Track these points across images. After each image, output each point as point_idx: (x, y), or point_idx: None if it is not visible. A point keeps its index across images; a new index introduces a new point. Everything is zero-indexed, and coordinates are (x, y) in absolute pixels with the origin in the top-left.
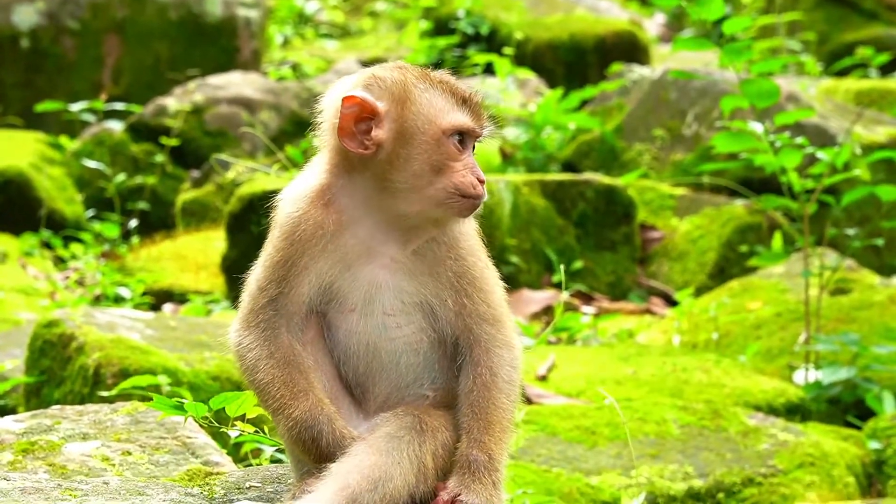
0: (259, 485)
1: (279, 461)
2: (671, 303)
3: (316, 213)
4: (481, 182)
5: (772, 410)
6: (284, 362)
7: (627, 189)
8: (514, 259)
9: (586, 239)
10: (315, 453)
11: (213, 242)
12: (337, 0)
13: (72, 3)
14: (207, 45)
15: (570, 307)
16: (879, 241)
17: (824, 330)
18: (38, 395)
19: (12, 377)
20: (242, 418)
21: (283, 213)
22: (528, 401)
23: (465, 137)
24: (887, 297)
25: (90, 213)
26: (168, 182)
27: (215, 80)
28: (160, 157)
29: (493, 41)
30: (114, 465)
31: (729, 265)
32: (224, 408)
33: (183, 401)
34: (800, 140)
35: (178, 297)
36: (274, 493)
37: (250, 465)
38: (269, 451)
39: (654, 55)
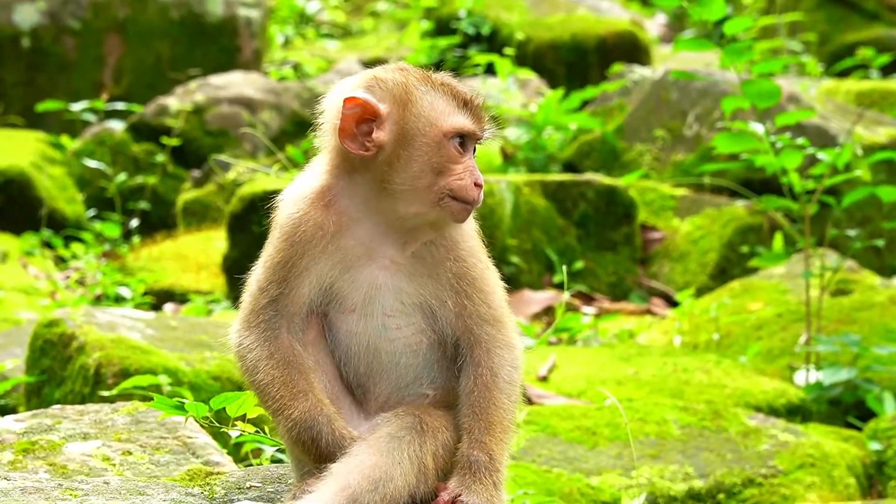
0: (259, 485)
1: (280, 461)
2: (672, 303)
3: (316, 214)
4: (479, 186)
5: (772, 411)
6: (284, 363)
7: (628, 189)
8: (515, 259)
9: (587, 239)
10: (315, 454)
11: (213, 242)
12: (338, 0)
13: (73, 3)
14: (208, 45)
15: (570, 307)
16: (880, 242)
17: (825, 331)
18: (38, 394)
19: (13, 377)
20: (243, 418)
21: (284, 214)
22: (529, 401)
23: (465, 140)
24: (888, 297)
25: (91, 212)
26: (169, 182)
27: (216, 79)
28: (161, 157)
29: (494, 41)
30: (114, 464)
31: (730, 266)
32: (225, 408)
33: (183, 401)
34: (801, 141)
35: (179, 297)
36: (274, 493)
37: (251, 465)
38: (269, 451)
39: (656, 56)
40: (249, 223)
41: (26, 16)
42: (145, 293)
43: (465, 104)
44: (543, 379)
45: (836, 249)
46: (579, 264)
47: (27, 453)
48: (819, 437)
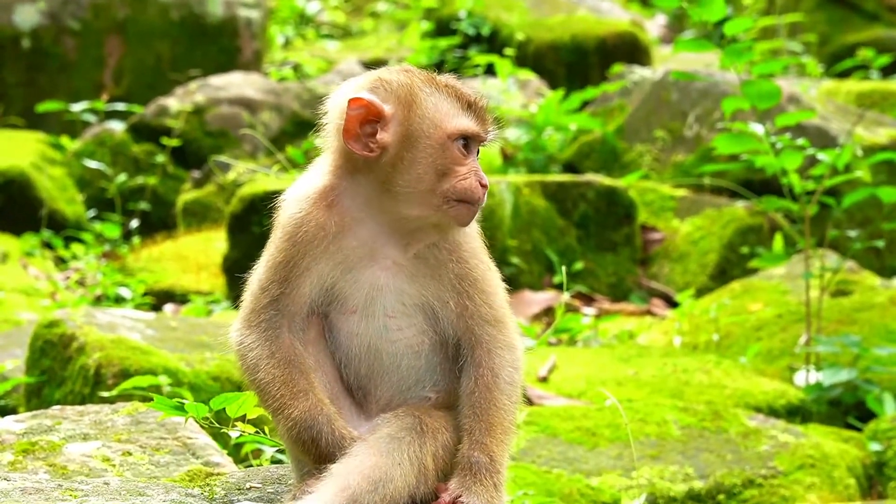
0: (260, 485)
1: (280, 462)
2: (672, 304)
3: (318, 215)
4: (483, 187)
5: (772, 412)
6: (285, 362)
7: (628, 190)
8: (515, 260)
9: (587, 240)
10: (314, 454)
11: (213, 243)
12: (338, 1)
13: (73, 3)
14: (208, 46)
15: (570, 308)
16: (880, 243)
17: (825, 331)
18: (38, 395)
19: (13, 377)
20: (243, 419)
21: (286, 214)
22: (529, 402)
23: (469, 142)
24: (888, 298)
25: (91, 213)
26: (169, 182)
27: (216, 80)
28: (161, 158)
29: (494, 42)
30: (114, 465)
31: (730, 266)
32: (225, 408)
33: (183, 401)
34: (801, 141)
35: (179, 298)
36: (274, 494)
37: (251, 465)
38: (269, 451)
39: (656, 56)
40: (249, 224)
41: (26, 16)
42: (145, 294)
43: (470, 106)
44: (544, 380)
45: (836, 250)
46: (579, 265)
47: (27, 454)
48: (819, 437)
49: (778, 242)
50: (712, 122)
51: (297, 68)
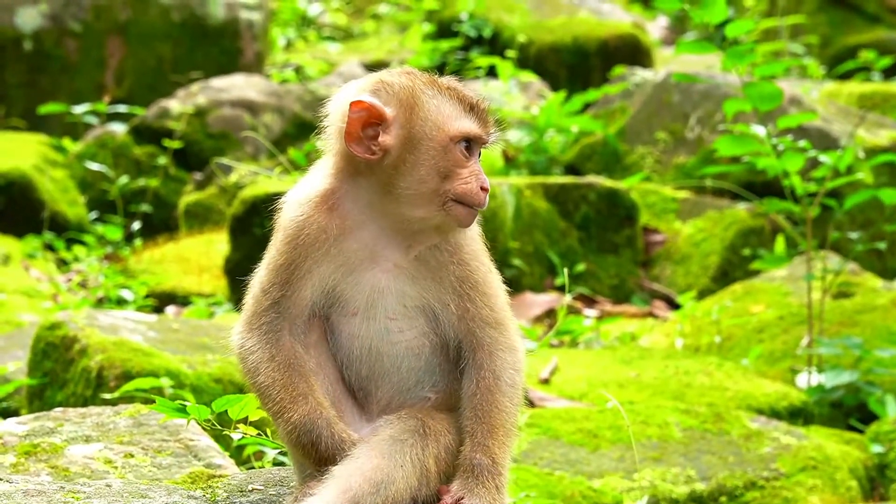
0: (262, 487)
1: (282, 464)
2: (674, 306)
3: (320, 218)
4: (484, 190)
5: (774, 414)
6: (285, 365)
7: (630, 192)
8: (517, 262)
9: (589, 242)
10: (315, 457)
11: (215, 245)
12: (339, 2)
13: (74, 5)
14: (210, 48)
15: (572, 310)
16: (882, 245)
17: (827, 333)
18: (40, 397)
19: (15, 379)
20: (245, 421)
21: (287, 217)
22: (531, 404)
23: (471, 144)
24: (890, 300)
25: (93, 215)
26: (171, 184)
27: (218, 82)
28: (163, 160)
29: (495, 44)
30: (116, 467)
31: (732, 268)
32: (226, 410)
33: (185, 403)
34: (802, 143)
35: (181, 300)
36: (276, 496)
37: (253, 467)
38: (271, 453)
39: (657, 58)
40: (251, 226)
41: (28, 18)
42: (147, 296)
43: (472, 108)
44: (545, 381)
45: (837, 252)
46: (581, 267)
47: (29, 456)
48: (821, 439)
49: (780, 244)
50: (714, 124)
51: (298, 70)
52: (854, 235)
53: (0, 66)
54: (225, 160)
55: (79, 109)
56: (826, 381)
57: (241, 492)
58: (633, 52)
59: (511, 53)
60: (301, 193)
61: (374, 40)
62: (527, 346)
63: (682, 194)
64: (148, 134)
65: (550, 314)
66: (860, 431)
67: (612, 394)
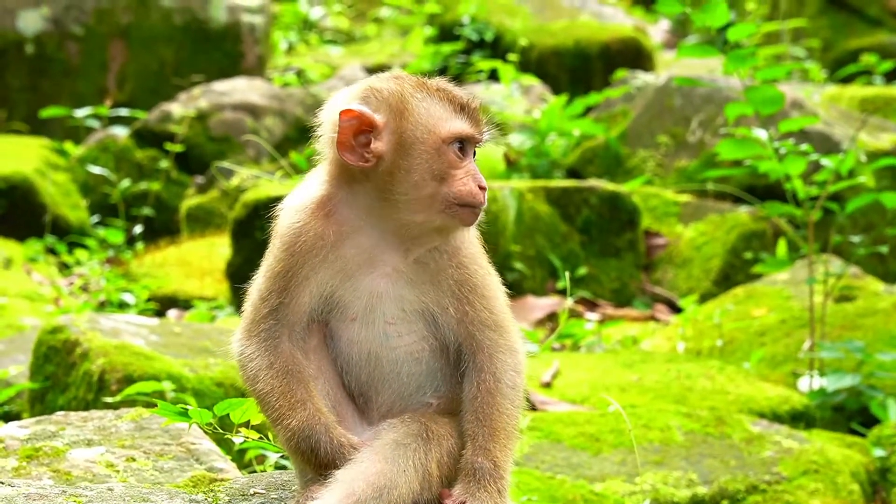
0: (263, 491)
1: (283, 467)
2: (675, 309)
3: (316, 225)
4: (483, 189)
5: (776, 417)
6: (284, 372)
7: (632, 195)
8: (519, 265)
9: (590, 245)
10: (314, 462)
11: (217, 248)
12: (341, 6)
13: (76, 9)
14: (212, 51)
15: (574, 314)
16: (884, 249)
17: (829, 337)
18: (42, 401)
19: (17, 383)
20: (247, 424)
21: (284, 224)
22: (533, 407)
23: (465, 144)
24: (892, 304)
25: (95, 218)
26: (172, 188)
27: (220, 85)
28: (165, 163)
29: (497, 47)
30: (118, 471)
31: (733, 272)
32: (228, 414)
33: (187, 407)
34: (804, 147)
35: (183, 303)
36: (278, 500)
37: (254, 471)
38: (273, 457)
39: (659, 62)
40: (253, 229)
41: (30, 22)
42: (149, 299)
43: (462, 108)
44: (547, 385)
45: (839, 255)
46: (582, 270)
47: (31, 460)
48: (823, 443)
49: (781, 248)
50: (716, 128)
51: (300, 74)
52: (856, 239)
53: (2, 70)
54: (226, 164)
55: (80, 113)
56: (828, 384)
57: (243, 496)
58: (634, 55)
59: (513, 57)
60: (297, 200)
61: (376, 44)
62: (528, 350)
63: (684, 198)
64: (150, 137)
65: (552, 318)
66: (862, 435)
67: (613, 397)
